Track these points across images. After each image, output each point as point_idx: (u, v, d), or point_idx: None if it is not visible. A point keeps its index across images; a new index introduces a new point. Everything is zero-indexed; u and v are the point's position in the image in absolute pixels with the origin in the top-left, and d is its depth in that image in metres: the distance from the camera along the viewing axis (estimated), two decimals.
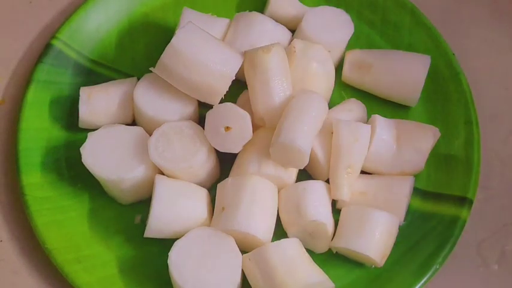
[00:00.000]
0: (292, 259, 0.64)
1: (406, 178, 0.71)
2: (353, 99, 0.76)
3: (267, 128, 0.70)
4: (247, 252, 0.65)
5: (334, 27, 0.78)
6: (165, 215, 0.66)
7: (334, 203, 0.71)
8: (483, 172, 0.73)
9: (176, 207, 0.67)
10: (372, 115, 0.73)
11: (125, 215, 0.72)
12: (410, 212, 0.72)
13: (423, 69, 0.76)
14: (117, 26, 0.82)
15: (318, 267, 0.66)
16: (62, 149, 0.74)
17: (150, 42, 0.82)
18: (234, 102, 0.70)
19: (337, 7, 0.80)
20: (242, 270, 0.65)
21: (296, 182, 0.71)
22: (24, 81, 0.78)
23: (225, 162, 0.72)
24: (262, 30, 0.77)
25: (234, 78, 0.69)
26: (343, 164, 0.69)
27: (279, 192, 0.69)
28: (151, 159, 0.68)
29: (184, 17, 0.77)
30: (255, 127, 0.69)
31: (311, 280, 0.64)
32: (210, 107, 0.69)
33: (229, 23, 0.79)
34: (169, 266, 0.64)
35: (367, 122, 0.74)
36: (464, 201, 0.70)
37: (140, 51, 0.81)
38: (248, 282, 0.66)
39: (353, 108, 0.74)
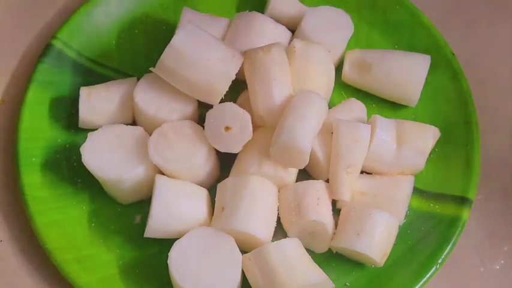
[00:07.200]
0: (292, 259, 0.64)
1: (406, 178, 0.71)
2: (353, 99, 0.76)
3: (267, 128, 0.70)
4: (247, 252, 0.65)
5: (334, 27, 0.78)
6: (165, 215, 0.66)
7: (334, 203, 0.71)
8: (483, 172, 0.73)
9: (176, 207, 0.67)
10: (372, 115, 0.73)
11: (125, 215, 0.72)
12: (410, 212, 0.72)
13: (423, 69, 0.76)
14: (117, 26, 0.82)
15: (318, 267, 0.66)
16: (62, 149, 0.74)
17: (150, 42, 0.81)
18: (234, 102, 0.70)
19: (337, 7, 0.80)
20: (242, 270, 0.65)
21: (296, 182, 0.71)
22: (24, 81, 0.78)
23: (225, 162, 0.72)
24: (262, 30, 0.77)
25: (234, 78, 0.69)
26: (343, 164, 0.69)
27: (279, 192, 0.69)
28: (151, 159, 0.68)
29: (184, 17, 0.77)
30: (255, 127, 0.69)
31: (311, 280, 0.64)
32: (210, 107, 0.69)
33: (229, 23, 0.79)
34: (169, 266, 0.64)
35: (367, 122, 0.74)
36: (464, 201, 0.70)
37: (140, 51, 0.81)
38: (248, 282, 0.66)
39: (353, 108, 0.74)
